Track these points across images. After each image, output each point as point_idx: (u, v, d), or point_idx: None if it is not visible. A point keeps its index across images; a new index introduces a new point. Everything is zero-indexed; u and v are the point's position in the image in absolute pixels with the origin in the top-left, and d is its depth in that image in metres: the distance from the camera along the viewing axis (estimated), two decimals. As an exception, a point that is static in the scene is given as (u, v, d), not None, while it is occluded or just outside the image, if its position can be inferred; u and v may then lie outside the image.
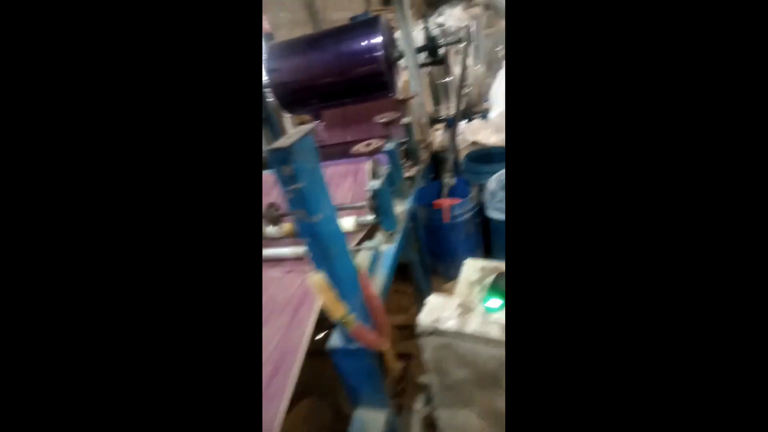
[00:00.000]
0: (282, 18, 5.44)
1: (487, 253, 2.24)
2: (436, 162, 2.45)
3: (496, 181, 2.01)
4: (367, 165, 1.65)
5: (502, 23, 5.26)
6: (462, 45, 2.10)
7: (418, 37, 2.24)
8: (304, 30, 4.10)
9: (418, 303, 2.09)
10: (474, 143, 4.44)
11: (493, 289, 0.95)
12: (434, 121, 2.58)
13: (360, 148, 1.25)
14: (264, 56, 2.25)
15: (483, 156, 2.55)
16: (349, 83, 2.13)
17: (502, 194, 1.86)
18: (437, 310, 0.73)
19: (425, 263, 1.88)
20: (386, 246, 1.33)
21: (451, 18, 4.49)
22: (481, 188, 2.10)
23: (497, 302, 0.75)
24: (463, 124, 3.40)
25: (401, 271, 2.08)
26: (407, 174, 1.82)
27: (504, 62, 4.60)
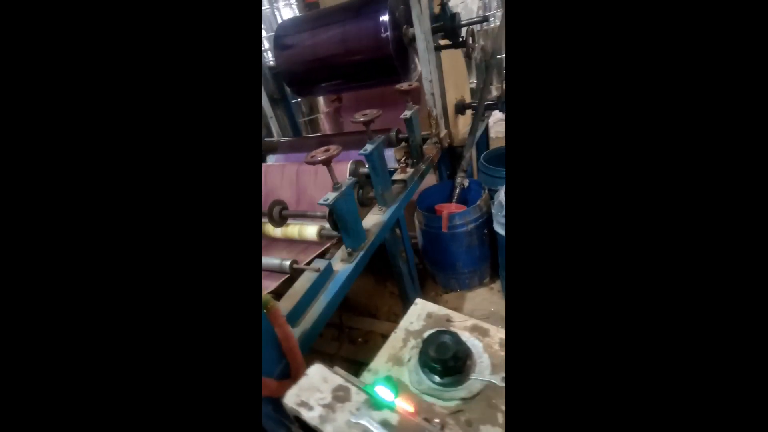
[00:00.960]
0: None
1: (494, 268, 2.00)
2: (454, 158, 2.20)
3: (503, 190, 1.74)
4: (348, 166, 1.49)
5: None
6: (488, 24, 1.78)
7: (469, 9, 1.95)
8: None
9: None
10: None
11: (421, 355, 0.78)
12: (463, 108, 2.29)
13: (317, 154, 1.10)
14: (277, 33, 2.12)
15: (504, 156, 2.23)
16: (356, 66, 1.93)
17: (508, 208, 1.60)
18: (308, 391, 0.59)
19: (412, 275, 1.71)
20: (343, 265, 1.19)
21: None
22: (493, 195, 1.84)
23: (389, 394, 0.59)
24: (498, 114, 3.03)
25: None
26: (399, 176, 1.62)
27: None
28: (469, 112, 2.24)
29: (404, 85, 1.66)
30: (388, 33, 1.72)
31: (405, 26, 1.84)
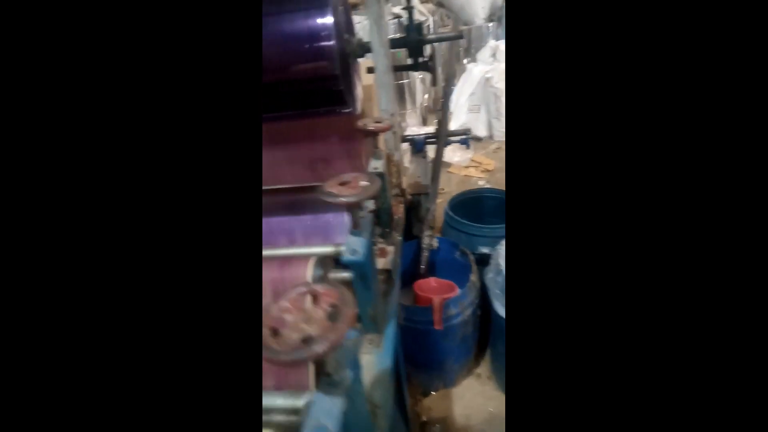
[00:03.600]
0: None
1: (481, 352, 1.55)
2: (407, 209, 1.70)
3: (504, 258, 1.31)
4: (309, 267, 0.83)
5: (453, 24, 4.66)
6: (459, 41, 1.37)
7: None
8: None
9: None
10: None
11: None
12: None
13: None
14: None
15: (468, 201, 1.84)
16: (283, 85, 1.27)
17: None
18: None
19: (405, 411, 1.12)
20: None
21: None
22: (481, 261, 1.40)
23: None
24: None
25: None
26: (378, 266, 1.03)
27: (464, 68, 4.00)
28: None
29: (369, 123, 1.09)
30: (333, 43, 1.13)
31: (346, 35, 1.27)
